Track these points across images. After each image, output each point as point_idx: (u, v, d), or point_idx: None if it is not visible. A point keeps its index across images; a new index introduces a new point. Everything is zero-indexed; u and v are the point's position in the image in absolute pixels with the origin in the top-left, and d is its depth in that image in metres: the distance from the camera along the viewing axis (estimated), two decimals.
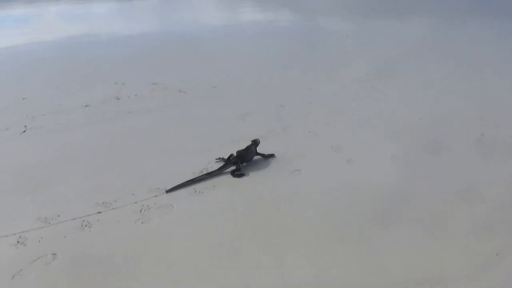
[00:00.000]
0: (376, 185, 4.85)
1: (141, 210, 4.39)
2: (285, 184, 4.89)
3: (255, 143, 5.47)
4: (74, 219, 4.23)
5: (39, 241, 3.92)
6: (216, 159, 5.33)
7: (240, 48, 11.40)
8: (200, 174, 5.02)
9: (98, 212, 4.32)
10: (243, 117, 6.70)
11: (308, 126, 6.35)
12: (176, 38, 12.40)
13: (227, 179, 5.02)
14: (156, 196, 4.62)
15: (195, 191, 4.74)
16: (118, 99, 7.32)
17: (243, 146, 5.34)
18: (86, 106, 6.99)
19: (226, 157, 5.29)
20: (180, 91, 7.80)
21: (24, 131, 6.10)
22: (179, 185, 4.83)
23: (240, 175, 5.12)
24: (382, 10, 18.22)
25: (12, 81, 8.08)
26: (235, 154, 5.26)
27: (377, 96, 7.50)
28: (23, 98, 7.22)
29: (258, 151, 5.46)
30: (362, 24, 14.95)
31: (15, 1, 20.48)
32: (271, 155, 5.52)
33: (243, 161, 5.27)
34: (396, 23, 14.93)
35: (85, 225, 4.15)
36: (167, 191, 4.73)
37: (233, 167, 5.19)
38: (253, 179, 5.04)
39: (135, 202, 4.49)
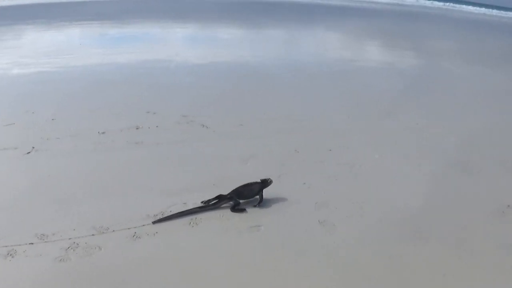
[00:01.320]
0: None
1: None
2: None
3: (265, 182, 5.19)
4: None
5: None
6: (202, 202, 5.09)
7: (307, 87, 10.87)
8: (193, 207, 4.95)
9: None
10: (244, 160, 6.32)
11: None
12: (240, 70, 12.29)
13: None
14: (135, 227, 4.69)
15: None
16: (137, 128, 7.32)
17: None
18: (103, 133, 7.06)
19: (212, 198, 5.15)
20: (203, 126, 7.62)
21: (29, 152, 6.28)
22: (167, 216, 4.80)
23: (241, 210, 4.96)
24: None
25: (54, 101, 8.45)
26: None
27: None
28: (52, 119, 7.48)
29: (263, 191, 5.17)
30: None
31: (139, 19, 21.93)
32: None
33: (239, 197, 5.04)
34: None
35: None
36: (154, 222, 4.71)
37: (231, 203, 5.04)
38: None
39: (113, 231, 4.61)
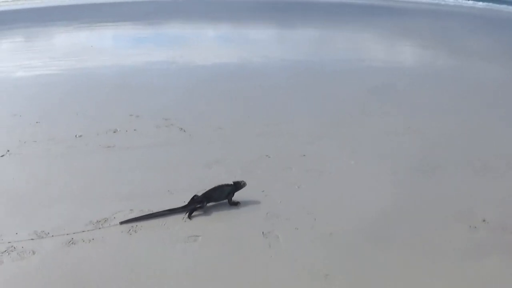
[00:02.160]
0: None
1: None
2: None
3: (237, 185, 5.19)
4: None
5: None
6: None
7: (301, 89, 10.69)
8: (162, 210, 4.97)
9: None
10: (209, 165, 6.27)
11: None
12: (239, 71, 12.21)
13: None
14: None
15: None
16: (114, 132, 7.39)
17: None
18: (80, 136, 7.15)
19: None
20: (181, 129, 7.61)
21: (2, 156, 6.43)
22: (135, 218, 4.85)
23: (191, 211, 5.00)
24: None
25: (45, 104, 8.63)
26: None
27: None
28: (36, 122, 7.65)
29: (234, 194, 5.20)
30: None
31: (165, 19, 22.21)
32: (236, 203, 5.19)
33: (209, 200, 5.05)
34: None
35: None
36: (121, 223, 4.80)
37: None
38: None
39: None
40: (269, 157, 6.63)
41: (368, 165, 6.45)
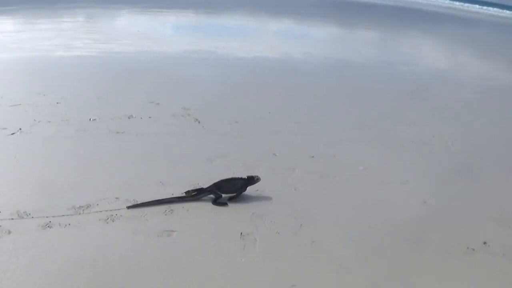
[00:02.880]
0: None
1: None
2: None
3: (250, 179, 5.10)
4: None
5: None
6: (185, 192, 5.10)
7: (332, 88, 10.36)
8: (171, 197, 4.94)
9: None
10: (211, 159, 6.13)
11: None
12: (277, 66, 11.98)
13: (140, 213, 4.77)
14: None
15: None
16: (129, 118, 7.38)
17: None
18: (94, 119, 7.20)
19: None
20: (196, 120, 7.51)
21: (13, 133, 6.56)
22: (144, 203, 4.84)
23: (222, 204, 4.97)
24: None
25: (71, 85, 8.78)
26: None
27: None
28: (57, 103, 7.78)
29: (246, 188, 5.11)
30: None
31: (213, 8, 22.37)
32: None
33: (220, 191, 4.97)
34: None
35: None
36: (128, 207, 4.78)
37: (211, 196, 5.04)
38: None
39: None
40: (276, 155, 6.42)
41: (379, 173, 6.04)
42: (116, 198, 5.01)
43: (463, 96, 10.21)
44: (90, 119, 7.16)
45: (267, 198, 5.21)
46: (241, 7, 24.47)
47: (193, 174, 5.62)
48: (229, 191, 5.04)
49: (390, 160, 6.46)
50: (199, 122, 7.36)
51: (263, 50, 13.63)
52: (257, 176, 5.18)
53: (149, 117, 7.41)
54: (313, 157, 6.38)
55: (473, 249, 4.60)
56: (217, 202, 4.95)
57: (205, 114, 7.69)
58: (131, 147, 6.36)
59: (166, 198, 4.91)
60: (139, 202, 4.86)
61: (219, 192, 4.97)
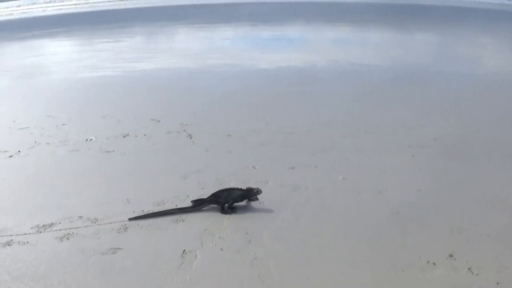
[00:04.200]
0: None
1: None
2: None
3: (250, 190, 5.17)
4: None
5: None
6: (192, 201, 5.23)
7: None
8: (171, 208, 5.12)
9: None
10: (186, 176, 6.22)
11: None
12: (302, 75, 11.88)
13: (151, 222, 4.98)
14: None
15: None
16: (124, 136, 7.63)
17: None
18: (90, 140, 7.53)
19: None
20: (189, 135, 7.64)
21: (11, 156, 7.02)
22: (146, 214, 5.03)
23: (229, 212, 5.09)
24: None
25: (81, 106, 9.24)
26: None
27: None
28: (63, 125, 8.23)
29: (243, 200, 5.19)
30: None
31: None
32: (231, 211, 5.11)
33: (217, 200, 5.11)
34: None
35: None
36: (130, 219, 4.99)
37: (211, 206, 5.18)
38: None
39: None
40: (255, 168, 6.34)
41: (357, 183, 5.82)
42: (80, 216, 5.17)
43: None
44: (86, 140, 7.44)
45: (226, 213, 5.13)
46: (275, 17, 24.44)
47: (162, 191, 5.67)
48: (226, 201, 5.06)
49: (373, 168, 6.15)
50: (191, 138, 7.46)
51: (286, 60, 13.60)
52: (258, 188, 5.17)
53: (144, 135, 7.62)
54: (293, 168, 6.25)
55: (434, 264, 4.28)
56: (224, 210, 5.04)
57: (200, 128, 7.81)
58: (111, 166, 6.53)
59: (168, 210, 5.08)
60: (141, 215, 5.08)
61: (220, 200, 5.05)
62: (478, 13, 29.32)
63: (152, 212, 5.04)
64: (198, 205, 5.07)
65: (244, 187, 5.14)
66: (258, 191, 5.13)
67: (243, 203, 5.24)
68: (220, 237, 4.73)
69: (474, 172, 6.18)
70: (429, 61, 14.08)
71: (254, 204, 5.31)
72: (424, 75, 11.60)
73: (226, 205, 5.08)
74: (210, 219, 5.07)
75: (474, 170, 6.25)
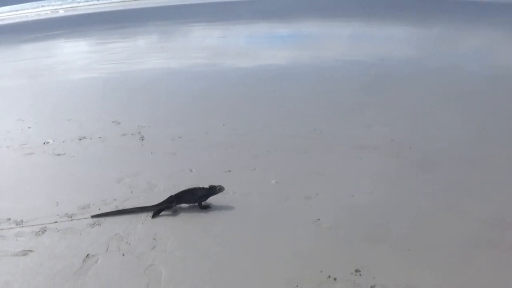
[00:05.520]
0: None
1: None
2: None
3: (212, 189, 5.32)
4: None
5: None
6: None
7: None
8: (133, 207, 5.32)
9: None
10: (120, 179, 6.36)
11: None
12: (281, 73, 11.86)
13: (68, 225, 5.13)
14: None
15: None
16: (80, 139, 7.82)
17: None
18: (47, 143, 7.76)
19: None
20: (141, 138, 7.76)
21: None
22: (107, 213, 5.24)
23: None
24: None
25: (57, 108, 9.48)
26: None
27: None
28: (28, 128, 8.50)
29: (207, 198, 5.32)
30: None
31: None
32: (206, 207, 5.33)
33: (180, 201, 5.29)
34: None
35: None
36: (92, 216, 5.21)
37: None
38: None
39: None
40: (192, 171, 6.41)
41: (289, 187, 5.79)
42: (8, 218, 5.36)
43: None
44: (44, 143, 7.66)
45: (152, 223, 5.19)
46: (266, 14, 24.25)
47: (91, 194, 5.78)
48: (190, 200, 5.25)
49: (311, 171, 6.15)
50: (142, 140, 7.57)
51: (265, 58, 13.57)
52: (220, 185, 5.30)
53: (99, 137, 7.78)
54: (229, 171, 6.28)
55: (335, 279, 4.20)
56: (157, 214, 5.22)
57: (154, 130, 7.92)
58: (54, 169, 6.67)
59: (129, 208, 5.28)
60: (101, 213, 5.28)
61: (176, 203, 5.24)
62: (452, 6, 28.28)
63: (114, 210, 5.31)
64: (160, 204, 5.25)
65: (206, 186, 5.23)
66: (221, 188, 5.25)
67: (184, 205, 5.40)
68: (127, 242, 4.82)
69: (419, 178, 5.98)
70: (405, 57, 13.75)
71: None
72: (400, 74, 11.36)
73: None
74: (125, 224, 5.13)
75: (421, 175, 6.03)
